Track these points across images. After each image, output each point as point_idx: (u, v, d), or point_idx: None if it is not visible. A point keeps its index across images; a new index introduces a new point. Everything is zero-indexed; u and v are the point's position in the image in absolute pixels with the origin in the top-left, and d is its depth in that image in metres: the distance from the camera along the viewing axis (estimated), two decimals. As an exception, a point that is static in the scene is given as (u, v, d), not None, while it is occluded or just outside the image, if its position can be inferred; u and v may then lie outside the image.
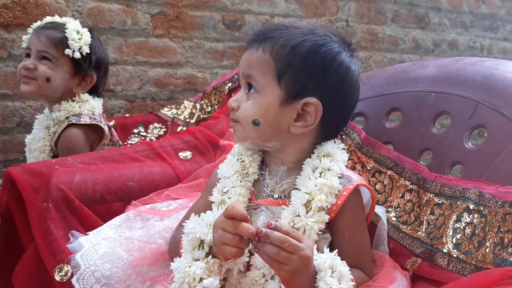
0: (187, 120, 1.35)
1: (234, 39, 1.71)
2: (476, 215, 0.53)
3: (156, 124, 1.38)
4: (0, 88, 1.37)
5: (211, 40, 1.66)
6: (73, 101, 0.99)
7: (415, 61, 0.75)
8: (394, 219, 0.64)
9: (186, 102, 1.40)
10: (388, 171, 0.68)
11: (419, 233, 0.60)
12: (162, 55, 1.58)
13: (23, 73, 0.98)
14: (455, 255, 0.56)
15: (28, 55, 1.01)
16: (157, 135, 1.36)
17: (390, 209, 0.66)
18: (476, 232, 0.53)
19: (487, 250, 0.50)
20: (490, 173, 0.58)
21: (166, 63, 1.59)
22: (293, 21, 1.80)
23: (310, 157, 0.60)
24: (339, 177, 0.57)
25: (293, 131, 0.59)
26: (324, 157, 0.58)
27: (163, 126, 1.37)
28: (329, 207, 0.55)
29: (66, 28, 1.00)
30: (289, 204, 0.55)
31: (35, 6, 1.39)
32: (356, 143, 0.72)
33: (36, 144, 0.98)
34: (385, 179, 0.68)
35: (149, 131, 1.37)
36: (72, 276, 0.63)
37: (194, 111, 1.35)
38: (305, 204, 0.54)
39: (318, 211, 0.54)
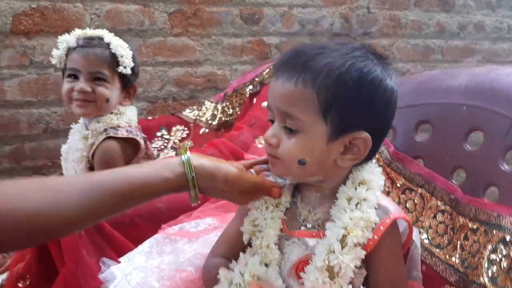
0: (209, 122, 1.35)
1: (253, 33, 1.67)
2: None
3: (178, 126, 1.38)
4: (24, 96, 1.39)
5: (229, 36, 1.64)
6: (113, 113, 0.99)
7: (444, 69, 0.71)
8: (426, 241, 0.63)
9: (207, 103, 1.39)
10: (419, 189, 0.66)
11: (453, 259, 0.59)
12: (181, 54, 1.57)
13: (77, 96, 0.96)
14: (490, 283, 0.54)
15: (72, 76, 0.98)
16: (180, 137, 1.36)
17: (421, 230, 0.64)
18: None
19: None
20: None
21: (185, 62, 1.58)
22: (312, 11, 1.75)
23: (344, 183, 0.58)
24: (375, 208, 0.55)
25: (341, 164, 0.56)
26: (360, 185, 0.56)
27: (186, 128, 1.37)
28: (365, 242, 0.54)
29: (110, 44, 0.98)
30: (323, 237, 0.55)
31: (53, 11, 1.39)
32: (385, 158, 0.70)
33: (74, 155, 0.98)
34: (416, 198, 0.66)
35: (172, 133, 1.37)
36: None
37: (215, 112, 1.34)
38: (340, 239, 0.53)
39: (354, 246, 0.53)
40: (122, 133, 0.97)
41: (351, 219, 0.53)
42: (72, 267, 0.70)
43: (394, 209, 0.56)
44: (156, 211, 0.77)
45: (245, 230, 0.59)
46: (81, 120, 1.04)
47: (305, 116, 0.54)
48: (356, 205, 0.54)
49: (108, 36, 1.00)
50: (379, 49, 0.65)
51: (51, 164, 1.45)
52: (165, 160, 0.59)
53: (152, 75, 1.54)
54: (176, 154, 1.32)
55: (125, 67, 0.98)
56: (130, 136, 0.98)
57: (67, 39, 0.98)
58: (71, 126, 1.09)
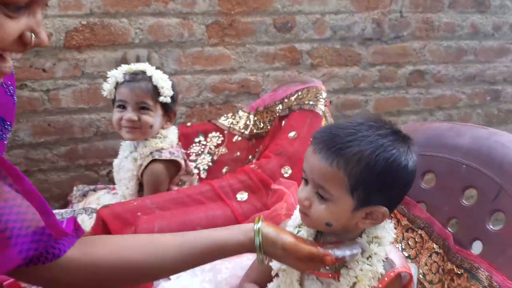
0: (242, 131, 1.46)
1: (285, 40, 1.75)
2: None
3: (214, 133, 1.50)
4: (77, 103, 1.55)
5: (263, 44, 1.72)
6: (156, 137, 1.14)
7: (453, 123, 0.77)
8: (421, 276, 0.73)
9: (240, 113, 1.50)
10: (419, 231, 0.76)
11: None
12: (217, 63, 1.67)
13: (125, 124, 1.11)
14: None
15: (121, 106, 1.13)
16: (215, 143, 1.49)
17: (418, 265, 0.75)
18: None
19: None
20: (505, 261, 0.65)
21: (221, 70, 1.69)
22: (344, 17, 1.80)
23: (361, 236, 0.69)
24: (383, 261, 0.66)
25: (361, 226, 0.67)
26: (373, 239, 0.67)
27: (221, 135, 1.49)
28: (374, 285, 0.65)
29: (152, 78, 1.11)
30: (337, 279, 0.66)
31: (101, 27, 1.51)
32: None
33: (125, 174, 1.14)
34: (417, 237, 0.76)
35: (208, 139, 1.50)
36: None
37: (248, 122, 1.46)
38: (351, 286, 0.64)
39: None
40: (165, 156, 1.11)
41: (361, 270, 0.64)
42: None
43: (399, 263, 0.66)
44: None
45: (274, 267, 0.72)
46: (129, 142, 1.18)
47: (335, 191, 0.65)
48: (368, 258, 0.65)
49: (150, 70, 1.13)
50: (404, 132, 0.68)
51: (101, 163, 1.63)
52: (241, 226, 0.71)
53: (191, 82, 1.66)
54: (212, 160, 1.46)
55: (165, 97, 1.11)
56: (173, 158, 1.12)
57: (116, 75, 1.12)
58: (121, 143, 1.24)
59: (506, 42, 2.12)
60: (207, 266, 0.85)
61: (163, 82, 1.12)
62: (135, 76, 1.13)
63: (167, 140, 1.15)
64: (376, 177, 0.63)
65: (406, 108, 2.01)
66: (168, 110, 1.16)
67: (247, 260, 0.82)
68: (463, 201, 0.77)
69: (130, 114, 1.10)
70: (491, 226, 0.71)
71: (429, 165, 0.83)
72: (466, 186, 0.77)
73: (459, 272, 0.67)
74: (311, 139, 0.68)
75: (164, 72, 1.42)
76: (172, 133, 1.18)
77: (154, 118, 1.12)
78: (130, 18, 1.54)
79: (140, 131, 1.11)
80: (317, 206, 0.66)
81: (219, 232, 0.67)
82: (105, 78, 1.49)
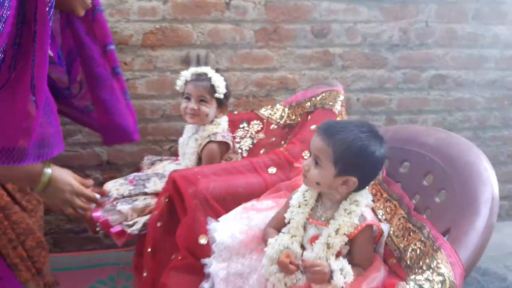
0: (278, 121, 1.79)
1: (320, 45, 2.05)
2: (421, 246, 0.91)
3: (255, 121, 1.84)
4: (149, 91, 1.95)
5: (301, 47, 2.04)
6: (211, 123, 1.51)
7: (426, 127, 1.04)
8: (391, 232, 1.05)
9: (278, 106, 1.83)
10: (394, 201, 1.07)
11: (401, 245, 1.00)
12: (262, 62, 2.01)
13: (189, 112, 1.48)
14: (407, 262, 0.95)
15: (187, 98, 1.49)
16: (256, 130, 1.83)
17: (391, 225, 1.06)
18: (419, 255, 0.91)
19: (419, 268, 0.88)
20: (442, 221, 0.94)
21: (264, 68, 2.02)
22: (373, 26, 2.07)
23: (346, 199, 1.02)
24: (359, 216, 0.98)
25: (340, 190, 0.99)
26: (353, 202, 1.00)
27: (260, 123, 1.83)
28: (349, 232, 0.97)
29: (211, 79, 1.48)
30: (328, 226, 1.00)
31: (171, 30, 1.89)
32: (379, 179, 1.11)
33: (189, 150, 1.51)
34: (392, 206, 1.07)
35: (251, 126, 1.84)
36: (208, 243, 1.17)
37: (283, 114, 1.79)
38: (335, 230, 0.97)
39: (342, 234, 0.97)
40: (219, 138, 1.47)
41: (343, 221, 0.98)
42: (190, 219, 1.23)
43: (370, 218, 0.99)
44: (238, 194, 1.26)
45: (287, 217, 1.06)
46: (191, 125, 1.56)
47: (325, 161, 0.98)
48: (348, 213, 0.98)
49: (210, 73, 1.48)
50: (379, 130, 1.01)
51: (164, 139, 2.02)
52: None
53: (239, 78, 2.01)
54: (252, 143, 1.80)
55: (219, 94, 1.46)
56: (224, 140, 1.48)
57: (186, 74, 1.49)
58: (185, 126, 1.62)
59: (528, 51, 2.29)
60: (244, 215, 1.20)
61: (219, 83, 1.47)
62: (199, 77, 1.49)
63: (220, 127, 1.51)
64: (351, 156, 0.96)
65: (427, 108, 2.25)
66: (221, 104, 1.51)
67: (271, 212, 1.17)
68: (424, 182, 1.07)
69: (193, 104, 1.47)
70: (437, 200, 1.01)
71: (406, 156, 1.13)
72: (427, 172, 1.06)
73: (414, 229, 0.98)
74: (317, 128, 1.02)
75: (218, 69, 1.78)
76: (224, 121, 1.54)
77: (210, 109, 1.48)
78: (193, 24, 1.90)
79: (199, 118, 1.48)
80: (313, 170, 1.00)
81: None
82: (172, 71, 1.89)
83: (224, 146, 1.50)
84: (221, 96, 1.47)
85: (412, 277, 0.82)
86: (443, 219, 0.95)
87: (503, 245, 2.34)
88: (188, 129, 1.58)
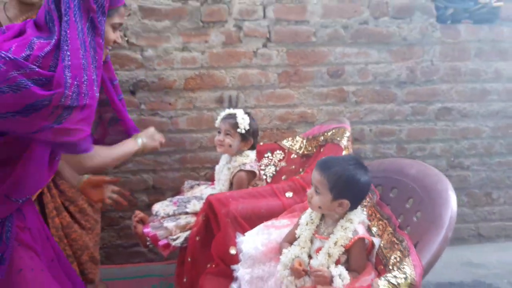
0: (297, 151, 2.09)
1: (335, 84, 2.36)
2: (400, 254, 1.17)
3: (278, 151, 2.15)
4: (189, 126, 2.30)
5: (318, 87, 2.35)
6: (242, 155, 1.83)
7: (411, 160, 1.31)
8: (381, 245, 1.31)
9: (297, 138, 2.13)
10: (385, 220, 1.34)
11: (388, 254, 1.27)
12: (284, 100, 2.33)
13: (217, 142, 1.82)
14: (390, 267, 1.21)
15: (219, 132, 1.84)
16: (278, 158, 2.14)
17: (381, 239, 1.33)
18: (398, 261, 1.17)
19: (392, 270, 1.14)
20: (418, 238, 1.20)
21: (286, 105, 2.34)
22: (383, 67, 2.36)
23: (342, 218, 1.30)
24: (353, 231, 1.26)
25: (337, 211, 1.28)
26: (348, 220, 1.28)
27: (282, 153, 2.14)
28: (345, 244, 1.25)
29: (237, 117, 1.81)
30: (328, 240, 1.28)
31: (208, 76, 2.25)
32: (374, 201, 1.39)
33: (223, 177, 1.84)
34: (383, 224, 1.34)
35: (274, 155, 2.15)
36: (236, 253, 1.47)
37: (301, 145, 2.09)
38: (334, 243, 1.25)
39: (340, 245, 1.25)
40: (247, 168, 1.79)
41: (340, 235, 1.26)
42: (222, 234, 1.54)
43: (361, 233, 1.27)
44: (262, 214, 1.57)
45: (297, 233, 1.36)
46: (225, 156, 1.89)
47: (322, 189, 1.28)
48: (344, 229, 1.27)
49: (238, 113, 1.81)
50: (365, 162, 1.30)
51: (201, 167, 2.36)
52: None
53: (264, 114, 2.34)
54: (275, 170, 2.11)
55: (240, 129, 1.79)
56: (252, 169, 1.80)
57: (222, 114, 1.83)
58: (222, 154, 1.95)
59: (530, 84, 2.50)
60: (266, 230, 1.50)
61: (242, 121, 1.80)
62: (228, 115, 1.83)
63: (249, 158, 1.83)
64: (342, 184, 1.26)
65: (434, 137, 2.50)
66: (244, 138, 1.83)
67: (287, 229, 1.46)
68: (407, 205, 1.33)
69: (220, 137, 1.82)
70: (415, 219, 1.27)
71: (395, 184, 1.40)
72: (409, 197, 1.33)
73: (397, 242, 1.24)
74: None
75: (247, 106, 2.11)
76: (252, 154, 1.86)
77: (233, 141, 1.81)
78: (226, 69, 2.26)
79: (224, 148, 1.82)
80: (315, 197, 1.30)
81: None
82: (208, 110, 2.24)
83: (252, 174, 1.82)
84: (243, 131, 1.79)
85: (385, 275, 1.09)
86: (416, 234, 1.21)
87: (509, 264, 2.51)
88: (223, 159, 1.92)
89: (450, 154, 2.53)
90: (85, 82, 1.11)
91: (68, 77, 1.07)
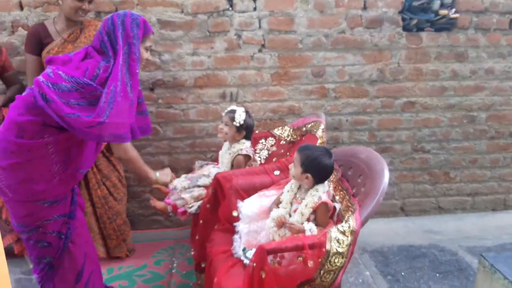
0: (286, 138, 2.60)
1: (318, 82, 2.85)
2: (351, 214, 1.71)
3: (270, 138, 2.66)
4: (198, 117, 2.81)
5: (304, 84, 2.84)
6: (239, 143, 2.35)
7: (363, 148, 1.85)
8: (341, 208, 1.83)
9: (286, 127, 2.63)
10: (344, 191, 1.86)
11: (345, 215, 1.79)
12: (276, 96, 2.84)
13: (218, 130, 2.33)
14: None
15: (221, 122, 2.36)
16: (270, 144, 2.65)
17: (341, 205, 1.86)
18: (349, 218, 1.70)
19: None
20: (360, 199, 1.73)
21: (277, 100, 2.85)
22: (357, 68, 2.85)
23: (312, 188, 1.82)
24: (318, 197, 1.79)
25: (305, 182, 1.79)
26: (315, 189, 1.80)
27: (274, 140, 2.64)
28: (312, 206, 1.77)
29: (236, 113, 2.31)
30: (301, 204, 1.81)
31: (213, 75, 2.75)
32: (337, 177, 1.93)
33: (225, 160, 2.35)
34: (342, 193, 1.87)
35: (267, 142, 2.66)
36: (237, 216, 2.00)
37: (289, 134, 2.60)
38: (305, 205, 1.77)
39: (309, 207, 1.77)
40: (244, 152, 2.31)
41: (309, 200, 1.78)
42: (227, 201, 2.07)
43: (325, 198, 1.80)
44: (255, 187, 2.09)
45: (281, 198, 1.88)
46: (226, 144, 2.41)
47: (297, 164, 1.80)
48: (311, 196, 1.79)
49: (238, 110, 2.31)
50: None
51: (208, 150, 2.88)
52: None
53: (259, 107, 2.84)
54: (268, 154, 2.63)
55: (236, 122, 2.29)
56: (247, 153, 2.33)
57: (225, 110, 2.34)
58: (223, 143, 2.46)
59: (481, 82, 2.99)
60: (260, 198, 2.03)
61: (238, 116, 2.30)
62: (231, 111, 2.34)
63: (245, 145, 2.34)
64: (308, 162, 1.76)
65: (400, 126, 3.01)
66: (238, 129, 2.33)
67: (274, 197, 1.99)
68: (358, 180, 1.86)
69: (221, 125, 2.34)
70: (362, 189, 1.80)
71: (351, 165, 1.91)
72: (360, 174, 1.85)
73: (350, 205, 1.76)
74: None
75: (245, 101, 2.62)
76: (247, 142, 2.36)
77: (229, 130, 2.31)
78: (228, 71, 2.75)
79: (222, 135, 2.33)
80: (292, 169, 1.81)
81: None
82: (213, 104, 2.74)
83: (247, 157, 2.35)
84: (237, 125, 2.30)
85: (336, 225, 1.62)
86: (361, 198, 1.75)
87: (462, 231, 3.05)
88: (225, 145, 2.44)
89: (414, 140, 3.05)
90: (119, 86, 1.61)
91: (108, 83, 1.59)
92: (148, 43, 1.83)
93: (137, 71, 1.69)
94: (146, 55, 1.84)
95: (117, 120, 1.60)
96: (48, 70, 1.61)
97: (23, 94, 1.65)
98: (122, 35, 1.66)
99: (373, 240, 2.89)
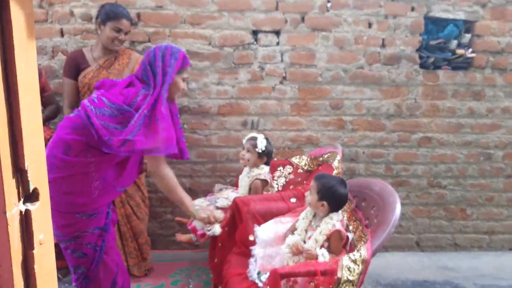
0: (303, 167, 2.70)
1: (335, 114, 2.95)
2: (363, 244, 1.76)
3: (288, 166, 2.76)
4: (219, 143, 2.93)
5: (322, 115, 2.95)
6: (258, 168, 2.45)
7: (376, 180, 1.91)
8: (354, 238, 1.90)
9: (303, 156, 2.74)
10: (357, 221, 1.93)
11: (357, 245, 1.85)
12: (295, 126, 2.95)
13: (240, 156, 2.45)
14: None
15: (243, 149, 2.48)
16: (288, 172, 2.75)
17: (354, 235, 1.92)
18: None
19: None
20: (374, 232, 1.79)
21: (296, 129, 2.96)
22: (375, 102, 2.95)
23: (326, 216, 1.89)
24: (332, 225, 1.86)
25: (321, 209, 1.87)
26: (329, 217, 1.87)
27: (291, 168, 2.74)
28: (326, 233, 1.84)
29: (257, 140, 2.43)
30: (316, 231, 1.88)
31: (236, 104, 2.88)
32: (351, 207, 1.99)
33: (244, 184, 2.46)
34: (356, 224, 1.93)
35: (285, 169, 2.76)
36: (254, 240, 2.08)
37: (306, 163, 2.69)
38: (319, 232, 1.85)
39: (323, 234, 1.84)
40: (261, 177, 2.41)
41: (323, 228, 1.86)
42: (244, 225, 2.15)
43: (338, 227, 1.87)
44: (272, 213, 2.18)
45: (297, 225, 1.96)
46: (246, 168, 2.51)
47: (313, 192, 1.89)
48: (326, 224, 1.87)
49: (259, 137, 2.43)
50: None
51: (227, 175, 2.99)
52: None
53: (279, 136, 2.95)
54: (285, 181, 2.72)
55: (258, 148, 2.40)
56: (265, 178, 2.42)
57: (247, 136, 2.45)
58: (243, 167, 2.57)
59: (498, 120, 3.04)
60: (277, 224, 2.11)
61: (259, 143, 2.41)
62: (252, 138, 2.45)
63: (263, 170, 2.45)
64: (324, 190, 1.85)
65: (416, 160, 3.06)
66: (260, 156, 2.45)
67: (290, 224, 2.06)
68: (371, 211, 1.93)
69: (243, 152, 2.45)
70: (375, 220, 1.86)
71: (365, 196, 1.99)
72: (373, 205, 1.92)
73: (363, 236, 1.83)
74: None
75: (265, 129, 2.73)
76: (266, 168, 2.48)
77: (251, 157, 2.43)
78: (250, 100, 2.89)
79: (244, 161, 2.44)
80: (309, 197, 1.90)
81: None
82: (235, 131, 2.87)
83: (265, 182, 2.44)
84: (259, 151, 2.41)
85: (347, 254, 1.68)
86: (373, 229, 1.81)
87: (477, 269, 3.04)
88: (245, 170, 2.54)
89: (430, 175, 3.09)
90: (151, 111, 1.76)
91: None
92: (185, 75, 1.99)
93: (165, 98, 1.83)
94: (182, 85, 1.99)
95: (144, 137, 1.74)
96: (94, 95, 1.78)
97: (71, 115, 1.81)
98: (161, 67, 1.82)
99: (387, 273, 2.90)
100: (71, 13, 2.74)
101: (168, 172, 1.97)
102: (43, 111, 2.69)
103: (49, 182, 1.81)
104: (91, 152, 1.73)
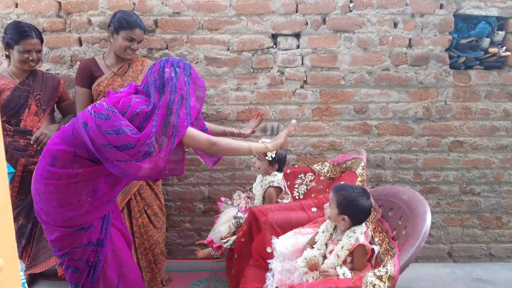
0: (325, 174, 2.58)
1: (360, 118, 2.82)
2: (390, 258, 1.62)
3: (309, 173, 2.65)
4: (238, 150, 2.85)
5: (346, 120, 2.82)
6: (271, 175, 2.35)
7: (404, 187, 1.74)
8: (380, 251, 1.76)
9: (326, 163, 2.62)
10: (384, 233, 1.79)
11: (384, 259, 1.72)
12: (317, 131, 2.83)
13: (252, 163, 2.37)
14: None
15: (255, 157, 2.40)
16: (309, 179, 2.64)
17: (380, 247, 1.78)
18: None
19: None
20: (403, 245, 1.65)
21: (318, 135, 2.84)
22: (402, 105, 2.79)
23: (348, 229, 1.77)
24: (355, 239, 1.73)
25: (341, 224, 1.75)
26: (352, 231, 1.75)
27: (313, 175, 2.63)
28: (349, 248, 1.72)
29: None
30: (338, 245, 1.76)
31: (255, 110, 2.79)
32: (377, 218, 1.85)
33: (257, 192, 2.37)
34: (382, 236, 1.80)
35: (306, 177, 2.65)
36: (272, 252, 1.98)
37: (329, 170, 2.57)
38: (341, 247, 1.72)
39: (345, 249, 1.72)
40: (275, 184, 2.31)
41: (345, 242, 1.74)
42: (261, 236, 2.05)
43: (362, 240, 1.74)
44: (291, 223, 2.07)
45: (316, 238, 1.84)
46: (259, 176, 2.42)
47: (333, 205, 1.77)
48: (348, 237, 1.74)
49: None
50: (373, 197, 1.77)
51: (246, 182, 2.90)
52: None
53: (300, 141, 2.84)
54: (306, 189, 2.60)
55: (268, 157, 2.30)
56: (278, 185, 2.32)
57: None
58: (256, 175, 2.48)
59: (537, 123, 2.83)
60: (295, 235, 2.00)
61: (270, 152, 2.32)
62: None
63: (276, 177, 2.35)
64: (345, 204, 1.72)
65: (447, 166, 2.88)
66: (270, 163, 2.35)
67: (310, 236, 1.95)
68: (399, 222, 1.78)
69: (253, 159, 2.36)
70: (403, 232, 1.72)
71: (392, 205, 1.85)
72: (400, 216, 1.78)
73: (390, 249, 1.69)
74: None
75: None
76: (279, 175, 2.37)
77: (261, 164, 2.33)
78: (270, 105, 2.79)
79: (254, 168, 2.36)
80: (328, 209, 1.78)
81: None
82: (254, 137, 2.77)
83: (278, 190, 2.34)
84: (270, 158, 2.31)
85: (373, 270, 1.55)
86: (401, 242, 1.67)
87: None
88: (258, 178, 2.45)
89: (462, 182, 2.90)
90: (163, 142, 1.68)
91: (151, 134, 1.65)
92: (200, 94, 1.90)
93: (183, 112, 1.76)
94: (197, 105, 1.88)
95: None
96: (97, 102, 1.74)
97: (66, 125, 1.77)
98: (174, 86, 1.74)
99: (417, 286, 2.74)
100: (89, 22, 2.73)
101: (218, 138, 1.85)
102: (61, 120, 2.68)
103: (39, 193, 1.81)
104: (79, 161, 1.70)
